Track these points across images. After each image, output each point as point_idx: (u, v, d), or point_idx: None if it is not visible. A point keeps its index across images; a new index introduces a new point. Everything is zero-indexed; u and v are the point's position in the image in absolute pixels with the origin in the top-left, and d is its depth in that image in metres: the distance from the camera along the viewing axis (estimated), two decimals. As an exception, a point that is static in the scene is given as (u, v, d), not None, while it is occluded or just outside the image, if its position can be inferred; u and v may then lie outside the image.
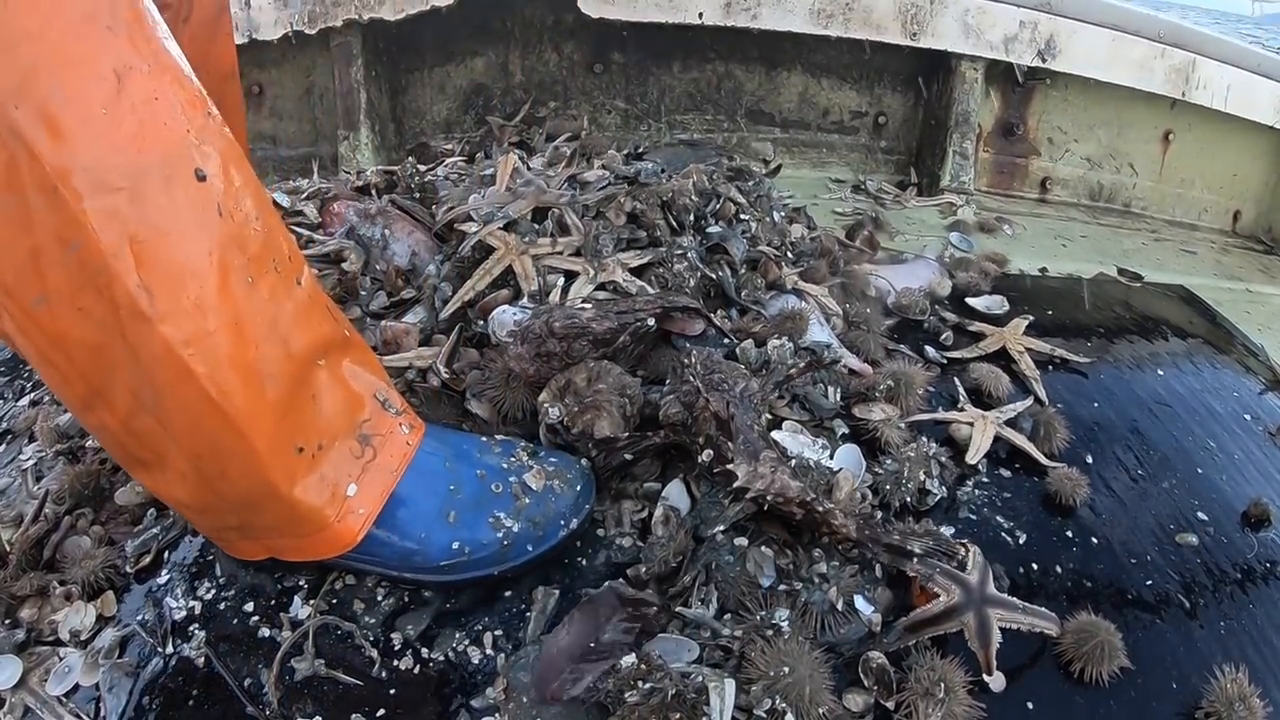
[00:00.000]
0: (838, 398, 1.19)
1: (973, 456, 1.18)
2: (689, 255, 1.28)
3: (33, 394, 1.38)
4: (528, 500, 0.99)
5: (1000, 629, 0.95)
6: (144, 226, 0.78)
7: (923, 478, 1.10)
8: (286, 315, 0.89)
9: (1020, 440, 1.21)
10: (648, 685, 0.84)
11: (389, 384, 1.02)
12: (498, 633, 0.96)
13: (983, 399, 1.29)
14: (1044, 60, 2.08)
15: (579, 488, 1.02)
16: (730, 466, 0.98)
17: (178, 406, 0.83)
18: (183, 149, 0.81)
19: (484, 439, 1.06)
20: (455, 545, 0.96)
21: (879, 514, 1.07)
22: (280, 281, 0.89)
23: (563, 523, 1.00)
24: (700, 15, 2.02)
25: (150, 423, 0.84)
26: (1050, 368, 1.39)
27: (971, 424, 1.21)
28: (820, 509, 0.96)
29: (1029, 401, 1.28)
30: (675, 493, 1.05)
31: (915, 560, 0.98)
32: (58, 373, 0.84)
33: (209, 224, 0.83)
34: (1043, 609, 0.98)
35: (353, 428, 0.94)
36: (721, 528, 1.00)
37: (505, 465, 1.02)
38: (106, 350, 0.81)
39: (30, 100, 0.73)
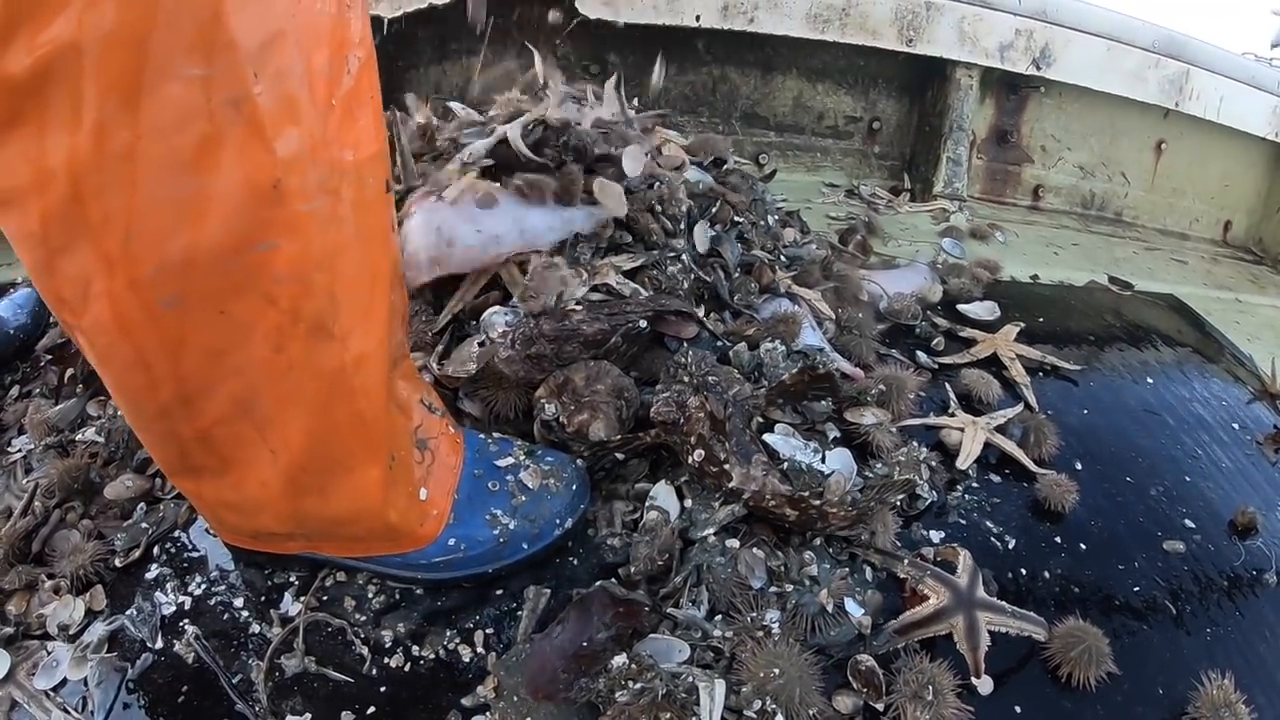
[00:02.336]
0: (829, 402, 1.20)
1: (963, 462, 1.18)
2: (682, 258, 1.28)
3: (22, 386, 1.38)
4: (524, 499, 0.99)
5: (989, 632, 0.96)
6: (348, 237, 0.71)
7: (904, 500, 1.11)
8: (397, 324, 0.86)
9: (1010, 447, 1.21)
10: (638, 685, 0.85)
11: (428, 388, 1.03)
12: (488, 631, 0.96)
13: (973, 405, 1.30)
14: (1038, 68, 2.09)
15: (574, 488, 1.02)
16: (726, 467, 0.98)
17: (309, 423, 0.78)
18: (383, 157, 0.75)
19: (481, 436, 1.06)
20: (451, 542, 0.96)
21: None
22: (403, 296, 0.87)
23: (558, 522, 1.01)
24: (697, 18, 2.02)
25: (245, 429, 0.78)
26: (1041, 375, 1.40)
27: (962, 429, 1.22)
28: (816, 503, 0.97)
29: (1019, 408, 1.29)
30: (662, 494, 1.05)
31: (905, 562, 0.98)
32: (147, 377, 0.74)
33: (388, 239, 0.78)
34: (1031, 613, 0.99)
35: (412, 436, 0.95)
36: (712, 530, 1.00)
37: (502, 464, 1.02)
38: (228, 358, 0.73)
39: (273, 69, 0.63)
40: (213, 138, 0.62)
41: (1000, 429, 1.24)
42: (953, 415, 1.25)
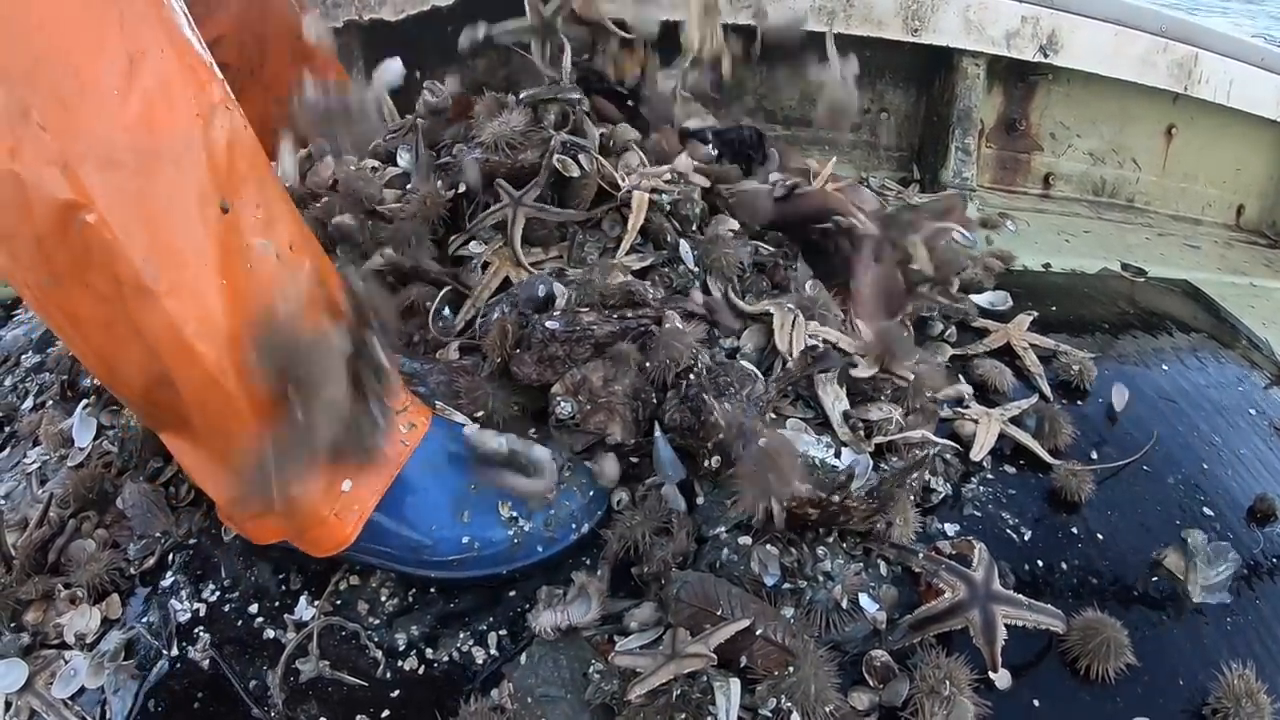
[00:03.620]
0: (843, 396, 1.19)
1: (977, 454, 1.17)
2: (692, 257, 1.28)
3: (37, 397, 1.39)
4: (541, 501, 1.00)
5: (1006, 626, 0.95)
6: (150, 205, 0.79)
7: (927, 476, 1.10)
8: (286, 306, 0.89)
9: (1024, 438, 1.20)
10: (651, 686, 0.84)
11: (400, 385, 1.02)
12: (502, 633, 0.96)
13: (987, 395, 1.28)
14: (1046, 55, 2.07)
15: (592, 492, 1.02)
16: None
17: (186, 383, 0.84)
18: (192, 132, 0.82)
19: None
20: (466, 540, 0.96)
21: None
22: (281, 270, 0.89)
23: (574, 525, 1.01)
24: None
25: (167, 392, 0.86)
26: (1054, 363, 1.39)
27: (976, 421, 1.21)
28: (836, 499, 0.96)
29: (1033, 398, 1.28)
30: (670, 495, 1.05)
31: (920, 556, 0.98)
32: (77, 349, 0.88)
33: (210, 207, 0.83)
34: (1048, 606, 0.98)
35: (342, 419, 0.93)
36: (724, 528, 1.00)
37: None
38: (114, 327, 0.82)
39: (42, 83, 0.74)
40: (17, 144, 0.75)
41: (1015, 420, 1.23)
42: (967, 407, 1.24)
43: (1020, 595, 0.98)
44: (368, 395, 0.96)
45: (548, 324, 1.09)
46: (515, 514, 0.98)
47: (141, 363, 0.84)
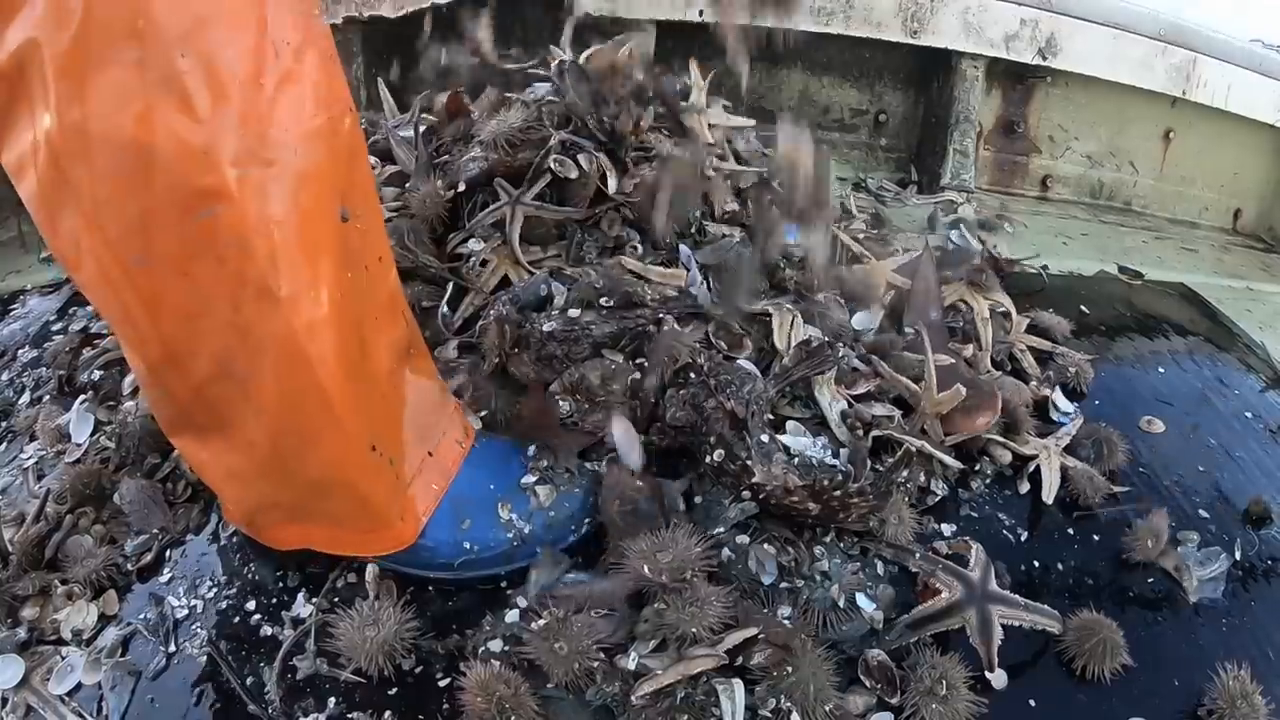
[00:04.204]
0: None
1: (1048, 495, 1.14)
2: (692, 259, 1.28)
3: (34, 392, 1.38)
4: (539, 503, 0.99)
5: (1002, 626, 0.95)
6: (285, 206, 0.76)
7: (924, 478, 1.10)
8: (372, 313, 0.90)
9: (1085, 474, 1.16)
10: (655, 688, 0.84)
11: (444, 387, 1.04)
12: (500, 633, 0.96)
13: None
14: (1045, 58, 2.08)
15: (591, 496, 1.02)
16: (748, 464, 0.98)
17: (277, 386, 0.82)
18: (324, 134, 0.80)
19: (499, 440, 1.06)
20: (466, 544, 0.96)
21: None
22: (370, 280, 0.89)
23: (573, 527, 1.01)
24: (700, 13, 2.02)
25: (230, 390, 0.83)
26: (1051, 365, 1.39)
27: (1035, 455, 1.18)
28: (837, 493, 0.96)
29: (1079, 421, 1.25)
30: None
31: (918, 556, 0.98)
32: (136, 333, 0.81)
33: (333, 215, 0.82)
34: (1045, 606, 0.98)
35: (403, 427, 0.95)
36: (722, 529, 1.00)
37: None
38: (201, 319, 0.79)
39: (197, 51, 0.70)
40: (148, 112, 0.70)
41: (1069, 448, 1.21)
42: (1026, 442, 1.20)
43: (1017, 595, 0.98)
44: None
45: (545, 326, 1.10)
46: (514, 516, 0.99)
47: (219, 356, 0.81)
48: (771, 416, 1.12)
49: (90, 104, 0.70)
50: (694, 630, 0.87)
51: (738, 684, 0.85)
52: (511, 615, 0.93)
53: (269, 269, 0.76)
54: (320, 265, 0.81)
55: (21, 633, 0.98)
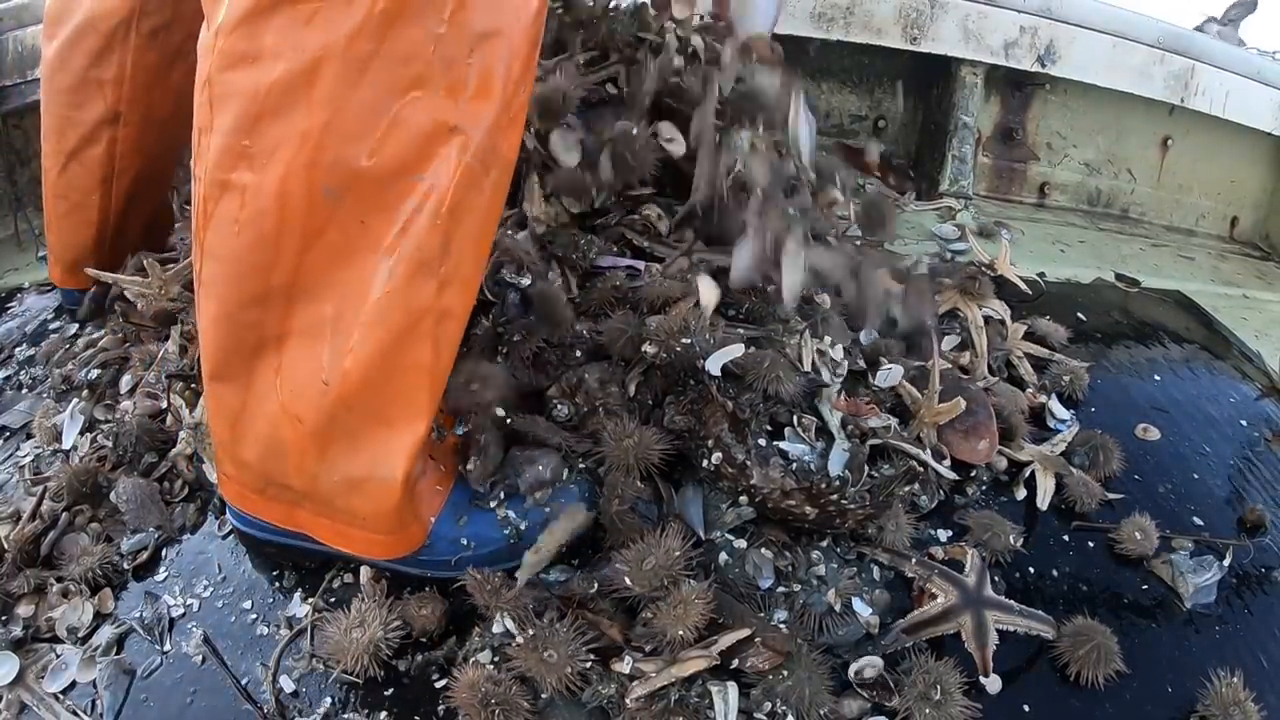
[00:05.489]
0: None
1: (1043, 502, 1.15)
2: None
3: (31, 390, 1.38)
4: (536, 500, 0.99)
5: (997, 631, 0.96)
6: (482, 205, 0.84)
7: (914, 489, 1.10)
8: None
9: (1080, 481, 1.17)
10: (649, 690, 0.84)
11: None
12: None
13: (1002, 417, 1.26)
14: (1044, 65, 2.08)
15: (587, 494, 1.02)
16: (746, 466, 0.98)
17: (383, 358, 0.84)
18: (511, 168, 0.88)
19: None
20: (463, 541, 0.96)
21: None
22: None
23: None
24: (700, 18, 2.02)
25: (314, 351, 0.85)
26: (1047, 372, 1.39)
27: (1031, 461, 1.18)
28: (834, 497, 0.97)
29: (1075, 429, 1.26)
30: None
31: (914, 561, 0.98)
32: (273, 254, 0.82)
33: (488, 244, 0.91)
34: (1039, 612, 0.99)
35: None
36: (719, 533, 1.00)
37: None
38: (346, 265, 0.83)
39: (483, 53, 0.79)
40: (423, 78, 0.78)
41: (1066, 454, 1.22)
42: (1021, 448, 1.21)
43: (1011, 601, 0.99)
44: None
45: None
46: (510, 514, 0.99)
47: (340, 301, 0.84)
48: (770, 427, 1.12)
49: (385, 45, 0.76)
50: (680, 633, 0.87)
51: (732, 686, 0.85)
52: (499, 626, 0.92)
53: (439, 250, 0.82)
54: (477, 268, 0.88)
55: (16, 630, 0.99)
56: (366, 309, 0.83)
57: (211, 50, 0.78)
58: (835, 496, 0.97)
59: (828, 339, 1.13)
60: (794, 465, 1.04)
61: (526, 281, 1.12)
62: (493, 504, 0.99)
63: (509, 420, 1.02)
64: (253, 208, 0.80)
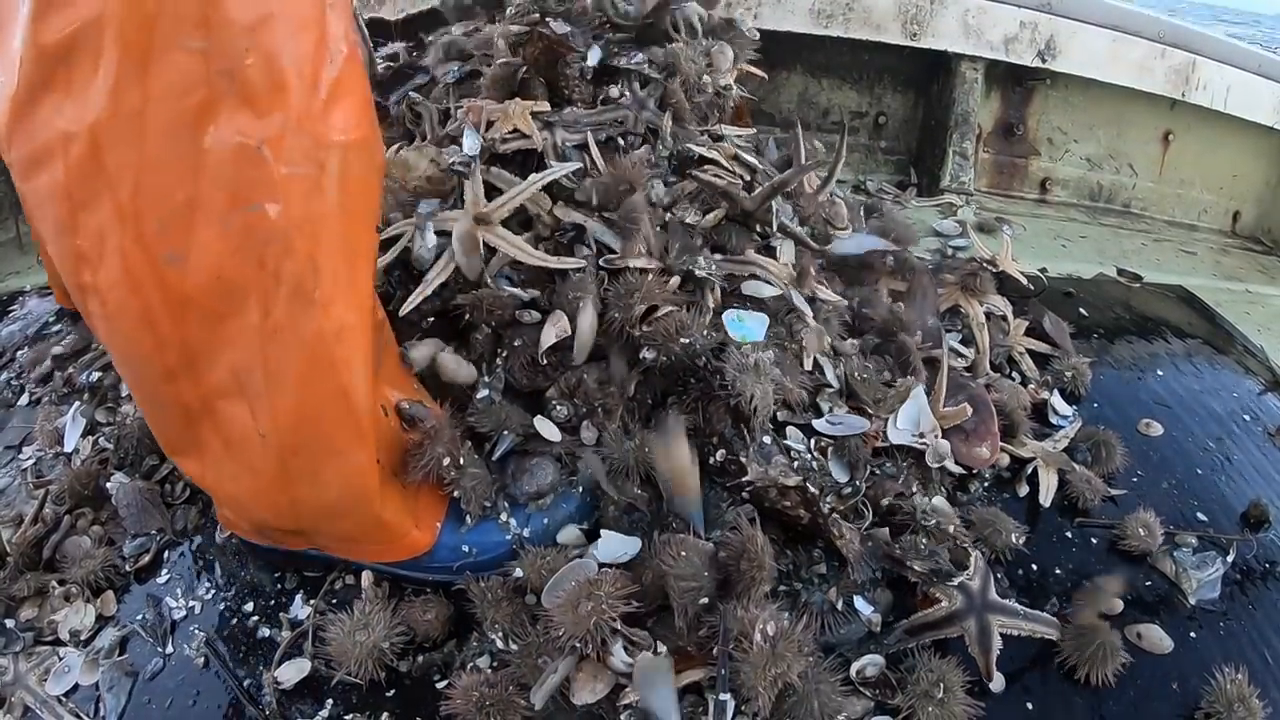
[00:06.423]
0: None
1: (1045, 499, 1.15)
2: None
3: (34, 393, 1.38)
4: (537, 504, 0.99)
5: (1001, 635, 0.95)
6: (331, 209, 0.77)
7: (913, 488, 1.09)
8: (375, 316, 0.89)
9: (1083, 477, 1.17)
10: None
11: (419, 387, 1.03)
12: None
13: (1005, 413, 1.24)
14: (1044, 61, 2.08)
15: (588, 497, 1.02)
16: (744, 461, 0.97)
17: (298, 395, 0.80)
18: (369, 145, 0.81)
19: None
20: (465, 547, 0.96)
21: (885, 530, 1.04)
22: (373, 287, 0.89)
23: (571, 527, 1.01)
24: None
25: (239, 411, 0.81)
26: (1049, 368, 1.39)
27: (1033, 458, 1.18)
28: (825, 510, 0.96)
29: (1078, 424, 1.26)
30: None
31: (917, 565, 0.98)
32: (154, 337, 0.78)
33: (375, 217, 0.83)
34: (1044, 614, 0.98)
35: (401, 443, 0.94)
36: (718, 532, 1.00)
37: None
38: (228, 323, 0.77)
39: (262, 47, 0.71)
40: (210, 102, 0.70)
41: (1069, 449, 1.22)
42: (1024, 445, 1.20)
43: (1016, 604, 0.98)
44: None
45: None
46: (512, 519, 0.98)
47: (238, 366, 0.79)
48: (773, 426, 1.12)
49: (151, 88, 0.69)
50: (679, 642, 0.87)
51: (728, 699, 0.84)
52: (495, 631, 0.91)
53: (308, 271, 0.76)
54: (357, 271, 0.81)
55: (20, 633, 0.99)
56: (264, 358, 0.78)
57: (12, 167, 0.74)
58: (829, 498, 0.97)
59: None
60: (797, 464, 1.04)
61: (527, 297, 1.10)
62: (496, 512, 0.99)
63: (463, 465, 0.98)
64: (113, 303, 0.77)
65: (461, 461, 0.96)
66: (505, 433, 1.02)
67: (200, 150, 0.71)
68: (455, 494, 0.96)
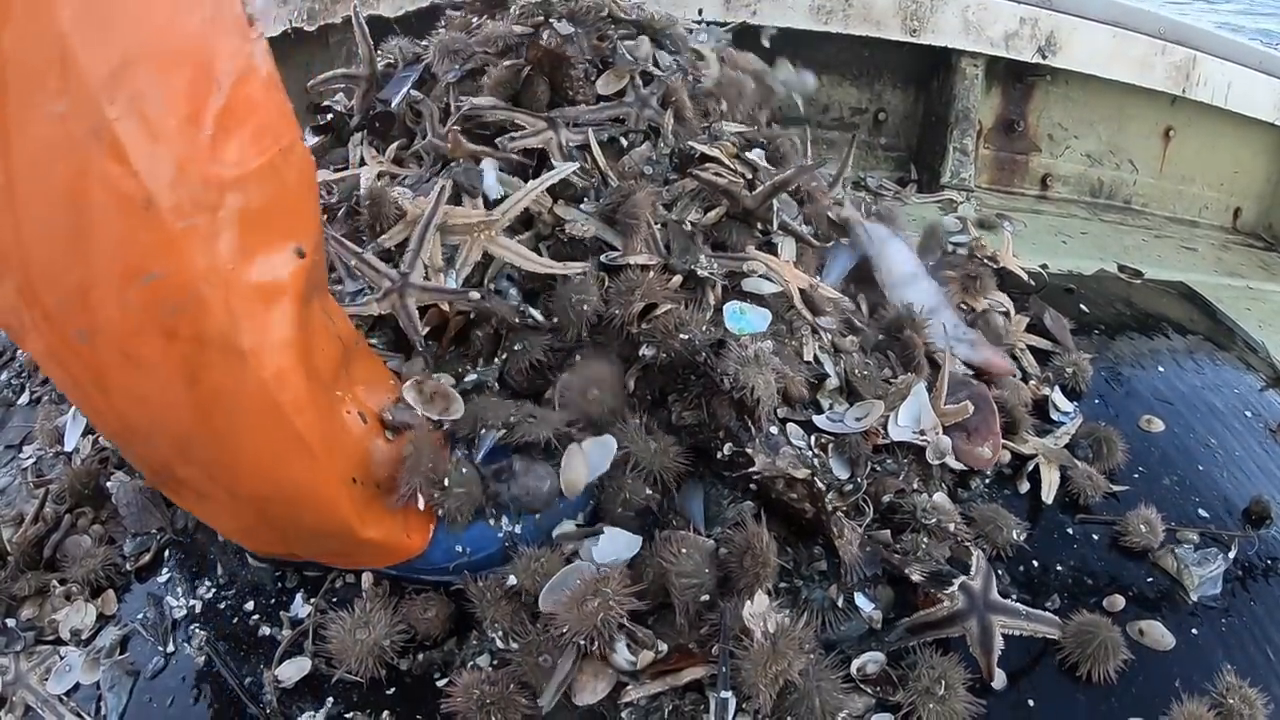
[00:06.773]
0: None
1: (1048, 496, 1.15)
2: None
3: (34, 392, 1.38)
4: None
5: (1002, 635, 0.95)
6: (236, 251, 0.70)
7: (914, 485, 1.09)
8: (319, 343, 0.83)
9: (1084, 473, 1.17)
10: (645, 702, 0.84)
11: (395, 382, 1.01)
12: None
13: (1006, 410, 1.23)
14: (1044, 57, 2.08)
15: (584, 497, 1.02)
16: (750, 451, 0.97)
17: (257, 453, 0.76)
18: (275, 169, 0.74)
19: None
20: (459, 548, 0.96)
21: (886, 532, 1.03)
22: (314, 311, 0.83)
23: None
24: (700, 11, 2.01)
25: (197, 474, 0.78)
26: (1050, 364, 1.39)
27: (1036, 454, 1.18)
28: (828, 507, 0.96)
29: (1079, 420, 1.26)
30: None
31: (918, 566, 0.97)
32: (92, 408, 0.75)
33: (289, 251, 0.77)
34: (1045, 614, 0.97)
35: (371, 449, 0.92)
36: (719, 529, 1.00)
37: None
38: (154, 401, 0.72)
39: (125, 96, 0.64)
40: (81, 170, 0.64)
41: (1070, 445, 1.21)
42: (1025, 441, 1.20)
43: (1017, 604, 0.98)
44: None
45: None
46: (506, 519, 0.98)
47: (179, 439, 0.75)
48: (777, 423, 1.12)
49: (15, 163, 0.64)
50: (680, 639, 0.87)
51: (729, 696, 0.84)
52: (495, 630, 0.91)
53: (228, 323, 0.70)
54: (279, 309, 0.75)
55: (21, 633, 0.99)
56: (208, 427, 0.74)
57: None
58: (832, 494, 0.96)
59: None
60: (801, 459, 1.03)
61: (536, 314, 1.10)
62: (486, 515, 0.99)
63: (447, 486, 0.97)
64: (48, 372, 0.75)
65: (446, 482, 0.93)
66: (484, 430, 0.99)
67: (84, 223, 0.65)
68: (440, 514, 0.95)
